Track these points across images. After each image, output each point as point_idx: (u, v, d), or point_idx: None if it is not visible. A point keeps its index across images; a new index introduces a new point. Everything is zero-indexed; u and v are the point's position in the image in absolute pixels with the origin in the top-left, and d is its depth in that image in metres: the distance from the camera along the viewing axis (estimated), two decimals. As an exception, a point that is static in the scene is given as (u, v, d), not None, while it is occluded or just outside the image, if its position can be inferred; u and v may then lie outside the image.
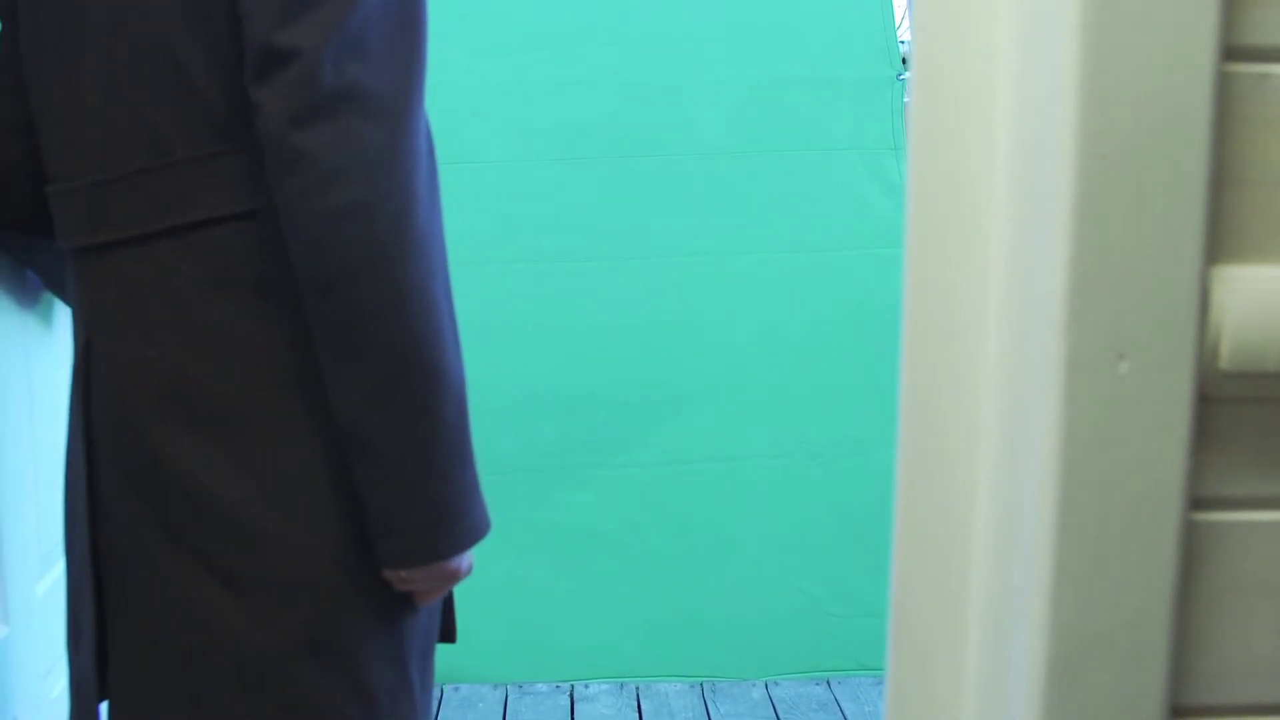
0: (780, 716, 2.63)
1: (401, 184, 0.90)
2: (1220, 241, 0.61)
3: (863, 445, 2.77)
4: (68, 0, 0.97)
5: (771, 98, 2.81)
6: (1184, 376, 0.61)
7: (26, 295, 1.24)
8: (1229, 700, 0.65)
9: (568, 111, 2.80)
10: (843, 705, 2.67)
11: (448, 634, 1.19)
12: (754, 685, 2.76)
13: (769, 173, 2.80)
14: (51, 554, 1.29)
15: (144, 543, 0.97)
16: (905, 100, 2.75)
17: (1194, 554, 0.63)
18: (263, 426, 0.96)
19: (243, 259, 0.95)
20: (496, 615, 2.74)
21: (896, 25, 2.82)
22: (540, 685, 2.75)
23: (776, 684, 2.77)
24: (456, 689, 2.72)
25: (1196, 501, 0.63)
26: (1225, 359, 0.60)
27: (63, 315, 1.26)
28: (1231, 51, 0.59)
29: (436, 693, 2.31)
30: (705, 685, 2.77)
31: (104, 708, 1.03)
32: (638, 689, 2.75)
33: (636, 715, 2.64)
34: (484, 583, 2.72)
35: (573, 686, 2.75)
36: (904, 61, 2.80)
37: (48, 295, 1.27)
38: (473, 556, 1.05)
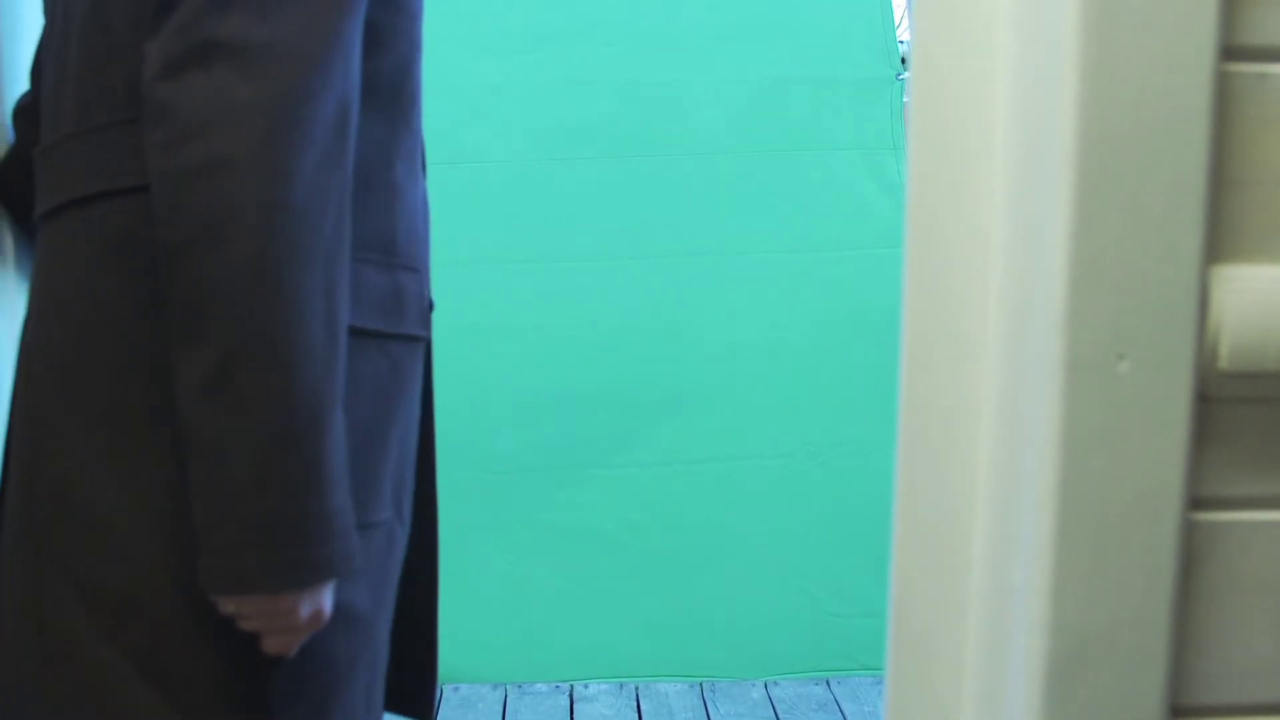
0: (780, 716, 2.63)
1: (278, 150, 0.77)
2: (1220, 241, 0.61)
3: (863, 445, 2.77)
4: None
5: (771, 98, 2.81)
6: (1184, 376, 0.61)
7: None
8: (1228, 700, 0.65)
9: (568, 111, 2.80)
10: (842, 705, 2.67)
11: (413, 706, 1.04)
12: (754, 685, 2.76)
13: (769, 173, 2.80)
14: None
15: (15, 544, 0.89)
16: (905, 100, 2.75)
17: (1194, 554, 0.63)
18: (135, 421, 0.85)
19: (137, 235, 0.83)
20: (496, 615, 2.74)
21: (896, 25, 2.82)
22: (540, 685, 2.75)
23: (776, 684, 2.77)
24: (456, 689, 2.72)
25: (1196, 501, 0.63)
26: (1225, 359, 0.60)
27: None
28: (1231, 51, 0.59)
29: (436, 692, 2.30)
30: (705, 685, 2.77)
31: None
32: (637, 689, 2.75)
33: (636, 715, 2.64)
34: (484, 583, 2.76)
35: (572, 686, 2.75)
36: (904, 61, 2.80)
37: None
38: (327, 603, 0.84)
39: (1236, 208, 0.61)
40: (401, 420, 0.96)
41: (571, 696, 2.72)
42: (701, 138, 2.80)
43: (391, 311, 0.93)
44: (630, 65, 2.79)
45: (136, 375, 0.85)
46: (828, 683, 2.77)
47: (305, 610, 0.83)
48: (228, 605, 0.82)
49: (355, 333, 0.86)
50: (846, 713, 2.64)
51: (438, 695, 2.67)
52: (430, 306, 1.01)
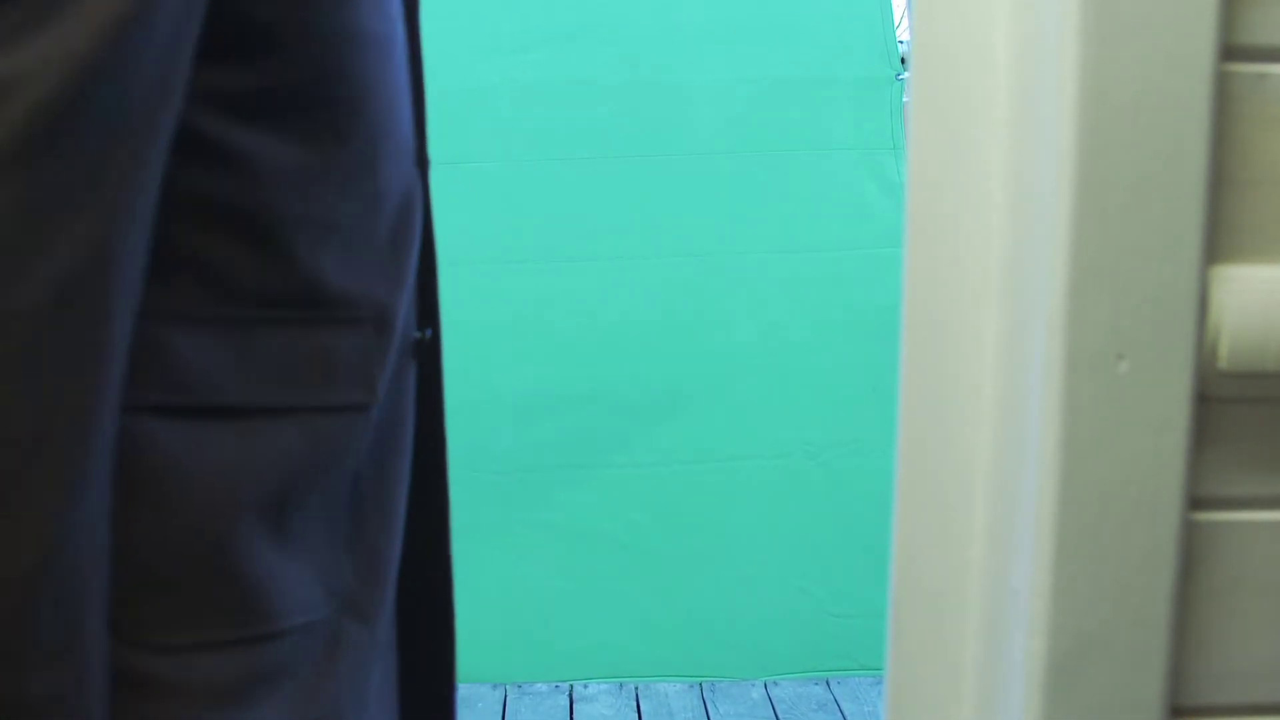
0: (780, 716, 2.63)
1: None
2: (1220, 241, 0.61)
3: (863, 445, 2.77)
4: None
5: (771, 98, 2.81)
6: (1183, 376, 0.61)
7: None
8: (1228, 700, 0.65)
9: (568, 111, 2.80)
10: (842, 705, 2.67)
11: None
12: (753, 685, 2.76)
13: (769, 173, 2.80)
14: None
15: None
16: (905, 100, 2.75)
17: (1194, 554, 0.63)
18: None
19: None
20: (496, 615, 2.74)
21: (896, 25, 2.82)
22: (539, 685, 2.75)
23: (776, 684, 2.77)
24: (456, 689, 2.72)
25: (1196, 501, 0.63)
26: (1224, 359, 0.60)
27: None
28: (1230, 51, 0.59)
29: None
30: (704, 685, 2.77)
31: None
32: (637, 689, 2.75)
33: (636, 715, 2.64)
34: (484, 583, 2.75)
35: (572, 686, 2.75)
36: (903, 61, 2.80)
37: None
38: None
39: (1236, 208, 0.61)
40: (338, 500, 0.80)
41: (571, 696, 2.72)
42: (701, 138, 2.80)
43: (309, 379, 0.75)
44: (629, 65, 2.79)
45: None
46: (828, 683, 2.77)
47: None
48: None
49: (237, 412, 0.71)
50: (846, 713, 2.64)
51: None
52: (417, 342, 0.85)
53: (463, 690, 2.72)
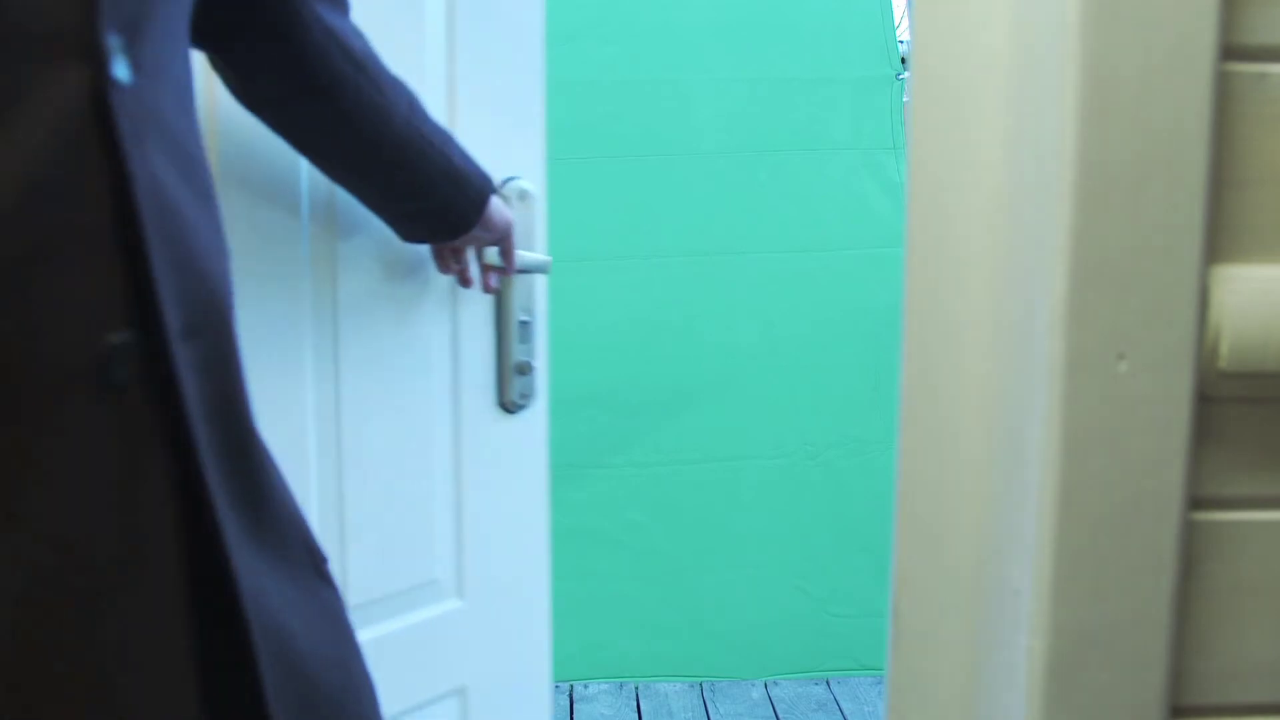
0: (780, 716, 2.63)
1: None
2: (1220, 241, 0.61)
3: (863, 445, 2.77)
4: None
5: (771, 98, 2.81)
6: (1184, 376, 0.61)
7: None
8: (1228, 700, 0.65)
9: (568, 111, 2.80)
10: (842, 705, 2.67)
11: None
12: (753, 685, 2.76)
13: (769, 173, 2.80)
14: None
15: None
16: (905, 100, 2.75)
17: (1194, 554, 0.63)
18: None
19: None
20: (496, 615, 2.74)
21: (896, 25, 2.82)
22: (540, 685, 2.75)
23: (776, 684, 2.77)
24: (456, 689, 2.72)
25: (1196, 501, 0.63)
26: (1225, 359, 0.60)
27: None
28: (1231, 51, 0.59)
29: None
30: (705, 685, 2.77)
31: None
32: (637, 689, 2.75)
33: (636, 715, 2.64)
34: (484, 583, 2.75)
35: (572, 686, 2.75)
36: (904, 61, 2.80)
37: None
38: None
39: (1236, 208, 0.61)
40: None
41: (571, 696, 2.72)
42: (701, 138, 2.80)
43: None
44: (630, 65, 2.79)
45: None
46: (828, 683, 2.77)
47: None
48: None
49: None
50: (846, 713, 2.64)
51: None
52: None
53: (463, 690, 2.72)
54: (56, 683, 0.64)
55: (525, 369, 1.31)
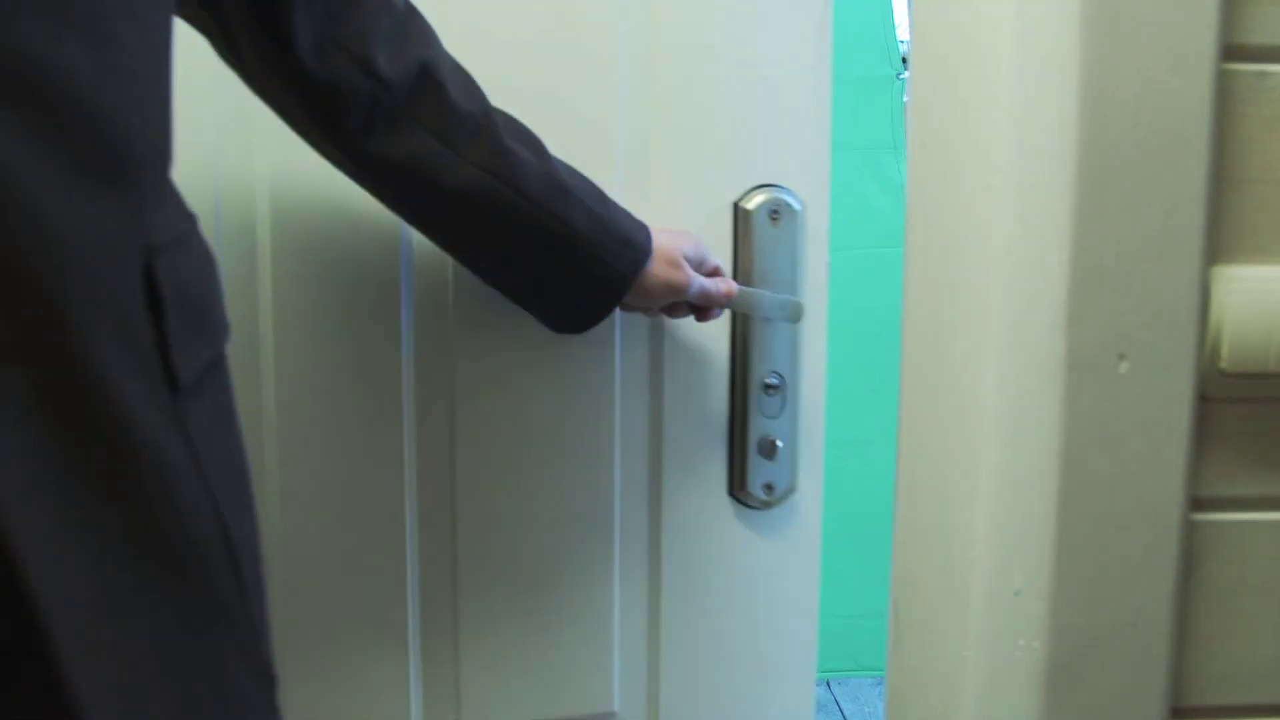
0: (780, 716, 2.63)
1: None
2: (1220, 241, 0.61)
3: (863, 445, 2.77)
4: None
5: (771, 98, 2.80)
6: (1184, 376, 0.61)
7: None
8: (1229, 701, 0.65)
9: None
10: (842, 705, 2.67)
11: None
12: (754, 685, 2.76)
13: (769, 173, 2.80)
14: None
15: None
16: (905, 100, 2.75)
17: (1194, 554, 0.63)
18: None
19: None
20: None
21: (896, 25, 2.82)
22: (540, 685, 2.74)
23: (776, 684, 2.76)
24: (456, 689, 2.72)
25: (1196, 501, 0.62)
26: (1225, 359, 0.60)
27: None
28: (1231, 51, 0.59)
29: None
30: (705, 685, 2.77)
31: None
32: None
33: (636, 715, 2.64)
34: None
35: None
36: (904, 61, 2.80)
37: None
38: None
39: (1236, 208, 0.61)
40: None
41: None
42: (701, 138, 2.80)
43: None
44: (630, 65, 2.79)
45: None
46: (828, 683, 2.77)
47: None
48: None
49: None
50: (846, 713, 2.64)
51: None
52: None
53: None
54: None
55: (769, 450, 1.02)
